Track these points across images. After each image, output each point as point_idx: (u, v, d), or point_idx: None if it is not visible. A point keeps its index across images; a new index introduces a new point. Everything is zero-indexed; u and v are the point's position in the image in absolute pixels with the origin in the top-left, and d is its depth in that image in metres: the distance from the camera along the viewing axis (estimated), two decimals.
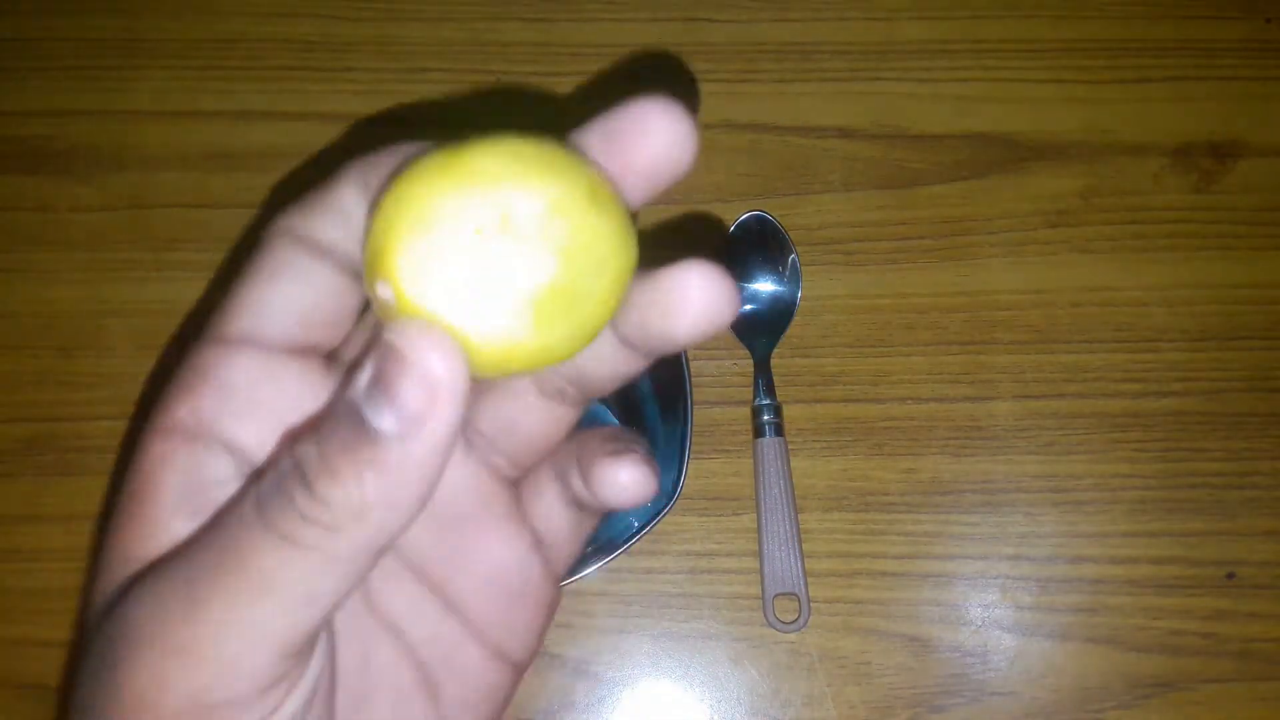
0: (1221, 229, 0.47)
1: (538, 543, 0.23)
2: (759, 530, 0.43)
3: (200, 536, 0.17)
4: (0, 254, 0.47)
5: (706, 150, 0.48)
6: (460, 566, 0.22)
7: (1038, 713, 0.42)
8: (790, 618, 0.43)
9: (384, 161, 0.19)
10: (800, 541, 0.43)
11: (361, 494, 0.16)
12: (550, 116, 0.49)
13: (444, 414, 0.15)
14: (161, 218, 0.47)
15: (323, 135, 0.48)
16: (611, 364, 0.20)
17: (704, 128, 0.48)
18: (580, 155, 0.18)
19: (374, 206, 0.17)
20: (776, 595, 0.43)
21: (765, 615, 0.43)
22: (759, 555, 0.43)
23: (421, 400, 0.15)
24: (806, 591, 0.43)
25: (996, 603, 0.43)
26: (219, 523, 0.17)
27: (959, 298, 0.46)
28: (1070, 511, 0.44)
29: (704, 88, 0.49)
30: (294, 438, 0.18)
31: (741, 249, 0.46)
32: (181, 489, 0.18)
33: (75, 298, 0.46)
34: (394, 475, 0.16)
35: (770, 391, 0.45)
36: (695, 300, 0.18)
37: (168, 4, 0.50)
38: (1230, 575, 0.44)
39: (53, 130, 0.48)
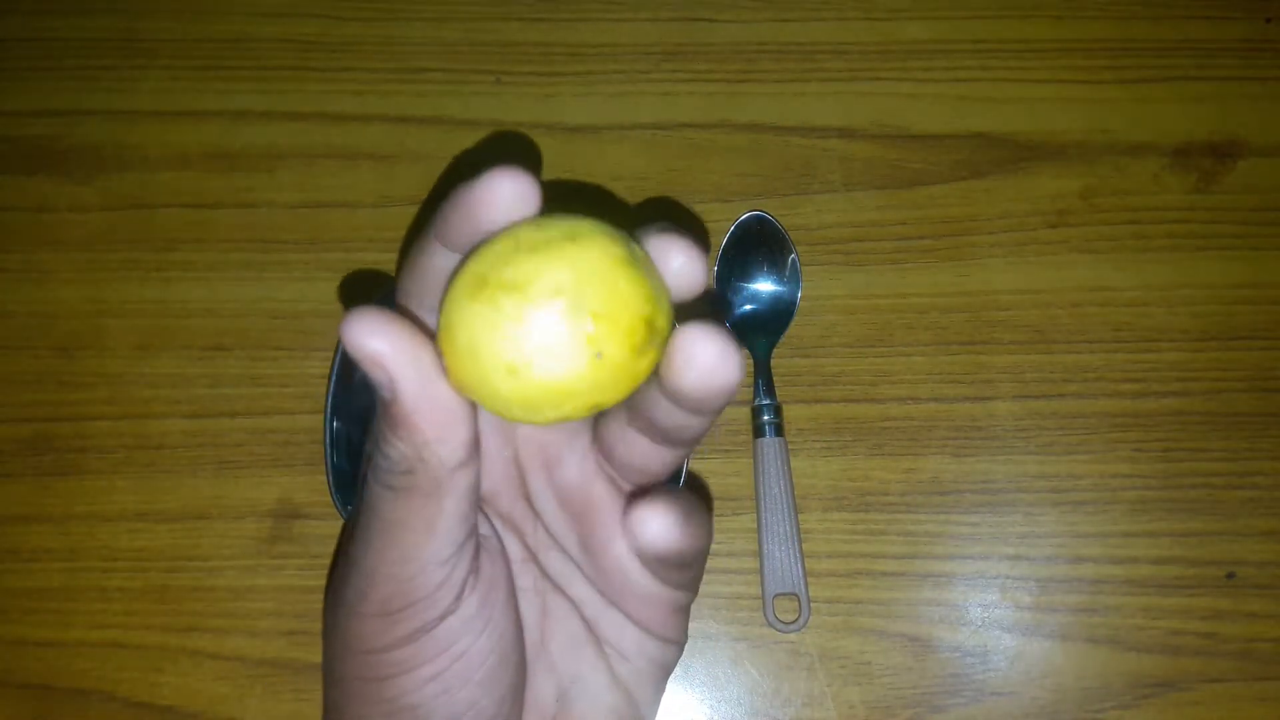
0: (1221, 229, 0.47)
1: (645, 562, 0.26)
2: (759, 530, 0.43)
3: (357, 503, 0.24)
4: (0, 254, 0.47)
5: (706, 150, 0.48)
6: (590, 551, 0.26)
7: (1038, 713, 0.42)
8: (790, 618, 0.43)
9: (453, 215, 0.22)
10: (800, 541, 0.43)
11: (401, 443, 0.21)
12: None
13: (403, 373, 0.20)
14: (161, 218, 0.47)
15: (323, 135, 0.48)
16: (671, 416, 0.23)
17: (704, 128, 0.48)
18: (618, 230, 0.21)
19: (450, 279, 0.21)
20: (776, 595, 0.43)
21: (765, 615, 0.43)
22: (759, 555, 0.43)
23: (379, 371, 0.20)
24: (806, 591, 0.43)
25: (996, 603, 0.43)
26: (360, 490, 0.23)
27: (959, 298, 0.46)
28: (1070, 511, 0.44)
29: (704, 88, 0.49)
30: (371, 419, 0.23)
31: (741, 249, 0.46)
32: None
33: (75, 298, 0.46)
34: (406, 424, 0.21)
35: (770, 391, 0.45)
36: (700, 357, 0.20)
37: (168, 4, 0.50)
38: (1230, 575, 0.44)
39: (53, 130, 0.48)
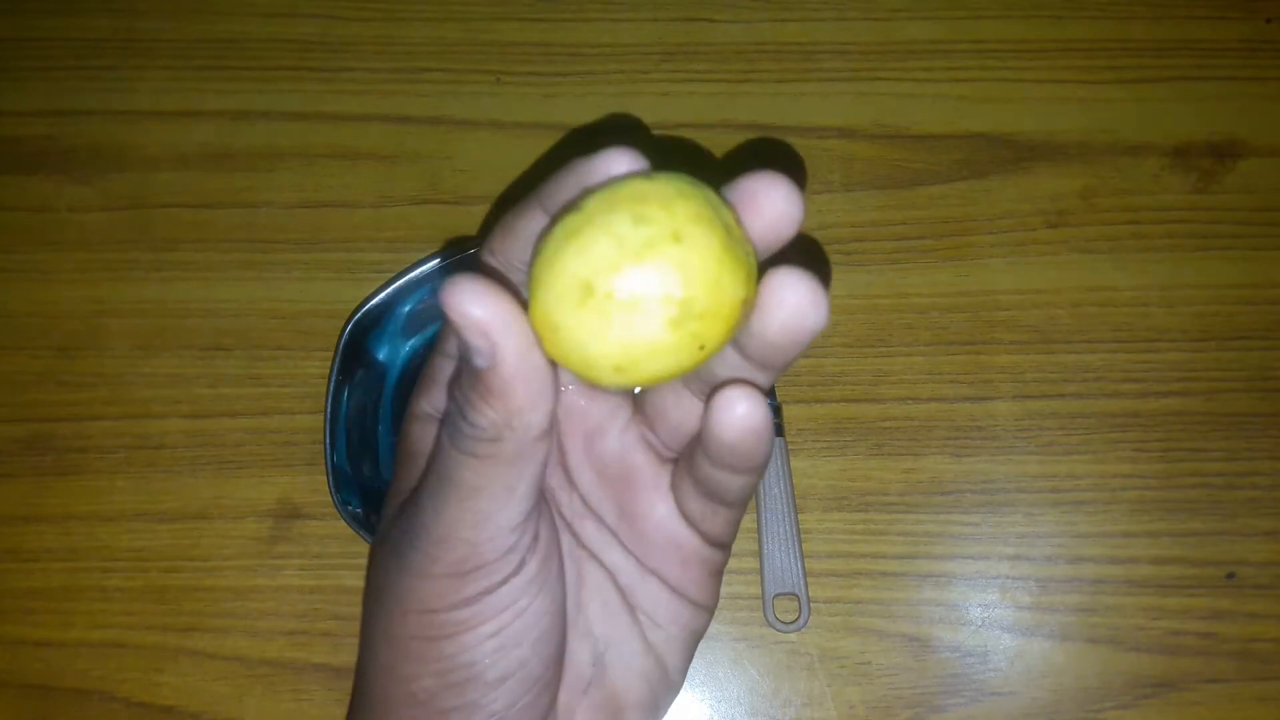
0: (1221, 229, 0.47)
1: (688, 518, 0.27)
2: (759, 530, 0.43)
3: (428, 466, 0.24)
4: (0, 254, 0.47)
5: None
6: (629, 518, 0.27)
7: (1038, 713, 0.42)
8: (790, 618, 0.43)
9: (563, 187, 0.22)
10: (800, 541, 0.43)
11: (493, 411, 0.21)
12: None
13: (505, 342, 0.20)
14: (161, 218, 0.47)
15: (323, 135, 0.48)
16: (738, 373, 0.23)
17: (704, 128, 0.48)
18: (709, 198, 0.21)
19: (538, 241, 0.21)
20: (776, 595, 0.43)
21: (765, 615, 0.43)
22: (759, 555, 0.43)
23: (481, 339, 0.20)
24: (806, 591, 0.43)
25: (996, 603, 0.43)
26: (435, 454, 0.23)
27: (959, 298, 0.46)
28: (1070, 511, 0.44)
29: (704, 88, 0.49)
30: (452, 384, 0.23)
31: None
32: (427, 452, 0.25)
33: (74, 298, 0.46)
34: (501, 394, 0.21)
35: (770, 391, 0.45)
36: (787, 302, 0.21)
37: (167, 4, 0.50)
38: (1230, 575, 0.44)
39: (53, 130, 0.48)
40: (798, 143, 0.48)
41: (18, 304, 0.46)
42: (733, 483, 0.25)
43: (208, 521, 0.44)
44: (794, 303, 0.21)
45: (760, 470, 0.24)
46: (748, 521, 0.44)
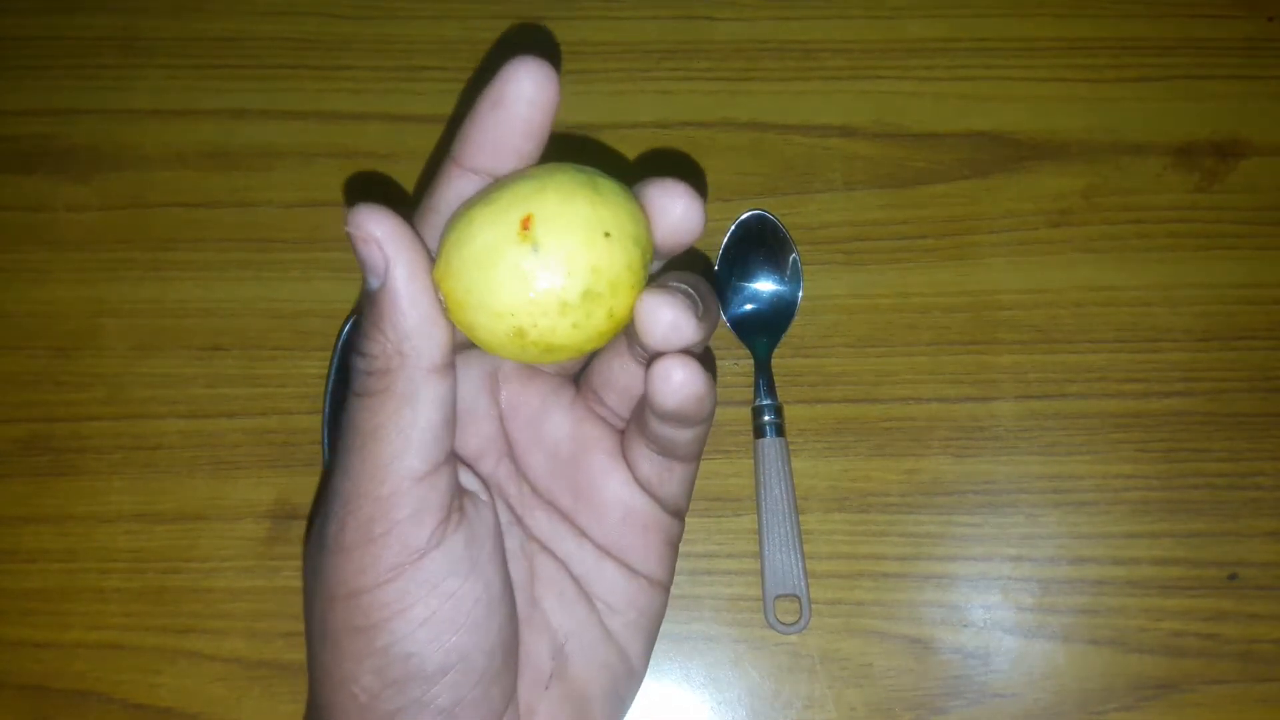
0: (1224, 228, 0.47)
1: (643, 482, 0.27)
2: (759, 531, 0.43)
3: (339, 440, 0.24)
4: None
5: (707, 149, 0.48)
6: (581, 498, 0.27)
7: (1040, 714, 0.42)
8: (791, 619, 0.43)
9: (480, 139, 0.24)
10: (801, 542, 0.43)
11: (384, 336, 0.22)
12: None
13: (397, 256, 0.22)
14: (158, 217, 0.47)
15: (321, 134, 0.48)
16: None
17: (705, 126, 0.48)
18: (613, 186, 0.23)
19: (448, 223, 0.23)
20: (777, 596, 0.43)
21: (766, 617, 0.43)
22: (760, 556, 0.43)
23: (374, 252, 0.22)
24: (807, 593, 0.43)
25: (998, 604, 0.43)
26: (342, 421, 0.24)
27: (961, 297, 0.46)
28: (1072, 512, 0.44)
29: (705, 86, 0.49)
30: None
31: (742, 248, 0.46)
32: None
33: (71, 297, 0.46)
34: (391, 311, 0.22)
35: (771, 391, 0.44)
36: (662, 320, 0.22)
37: (165, 2, 0.49)
38: (1233, 576, 0.43)
39: (50, 130, 0.48)
40: (799, 141, 0.48)
41: (15, 304, 0.46)
42: (682, 436, 0.25)
43: (205, 522, 0.43)
44: (662, 324, 0.22)
45: (707, 422, 0.25)
46: (748, 522, 0.44)
